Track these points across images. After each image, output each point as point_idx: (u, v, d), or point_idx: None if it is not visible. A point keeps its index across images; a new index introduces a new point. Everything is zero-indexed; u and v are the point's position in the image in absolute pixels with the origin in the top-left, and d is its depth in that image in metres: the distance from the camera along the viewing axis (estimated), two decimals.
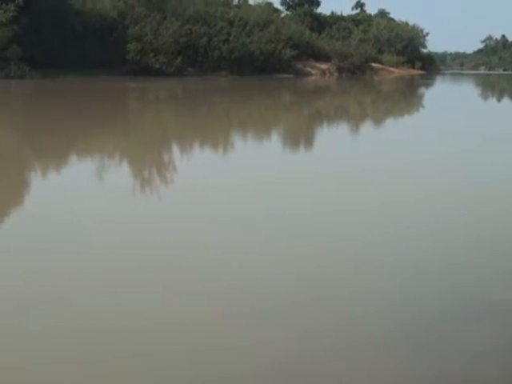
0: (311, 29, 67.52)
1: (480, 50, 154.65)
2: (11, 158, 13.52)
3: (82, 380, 4.14)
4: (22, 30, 35.96)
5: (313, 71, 59.90)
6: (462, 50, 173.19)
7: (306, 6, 78.13)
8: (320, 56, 61.72)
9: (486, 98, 43.18)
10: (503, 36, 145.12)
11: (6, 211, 8.56)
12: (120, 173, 11.70)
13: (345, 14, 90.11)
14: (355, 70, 64.30)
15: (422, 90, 50.93)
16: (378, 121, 23.99)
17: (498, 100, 41.61)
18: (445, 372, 4.27)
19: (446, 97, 42.99)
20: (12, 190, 10.14)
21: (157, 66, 44.39)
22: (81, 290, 5.54)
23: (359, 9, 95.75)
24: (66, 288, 5.62)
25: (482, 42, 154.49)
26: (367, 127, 21.84)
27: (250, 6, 63.32)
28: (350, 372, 4.28)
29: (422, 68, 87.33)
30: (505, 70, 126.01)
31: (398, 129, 21.08)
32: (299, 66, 58.38)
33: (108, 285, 5.71)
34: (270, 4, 67.12)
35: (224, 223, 7.66)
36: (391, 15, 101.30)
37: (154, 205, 9.16)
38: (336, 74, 61.10)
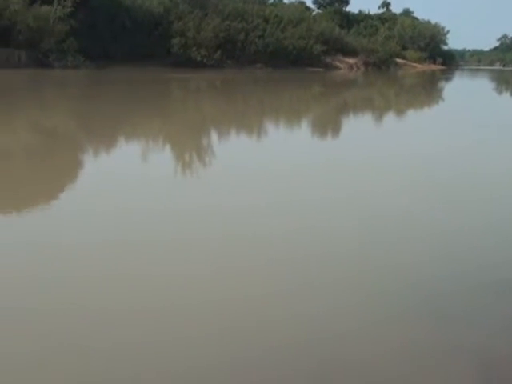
0: (340, 26, 67.30)
1: (496, 48, 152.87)
2: (68, 138, 13.94)
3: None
4: (78, 25, 36.39)
5: (341, 65, 59.74)
6: (479, 48, 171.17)
7: (336, 4, 77.82)
8: (348, 51, 61.51)
9: (500, 92, 42.77)
10: None
11: (62, 187, 8.91)
12: (163, 154, 11.99)
13: (372, 12, 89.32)
14: (380, 64, 63.98)
15: (442, 83, 50.57)
16: (400, 111, 24.06)
17: None
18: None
19: (463, 90, 42.71)
20: (67, 168, 10.44)
21: (198, 58, 44.67)
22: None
23: (385, 8, 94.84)
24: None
25: (498, 40, 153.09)
26: (390, 117, 21.90)
27: (285, 4, 63.34)
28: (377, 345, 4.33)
29: (443, 64, 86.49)
30: None
31: (418, 118, 21.15)
32: (328, 60, 58.26)
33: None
34: (303, 3, 67.18)
35: (250, 206, 7.77)
36: (415, 14, 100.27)
37: (193, 185, 9.34)
38: (362, 68, 60.86)
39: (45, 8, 35.33)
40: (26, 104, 20.34)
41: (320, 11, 75.52)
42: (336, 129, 17.35)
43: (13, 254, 5.77)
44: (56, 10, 35.57)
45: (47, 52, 35.51)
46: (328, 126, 17.96)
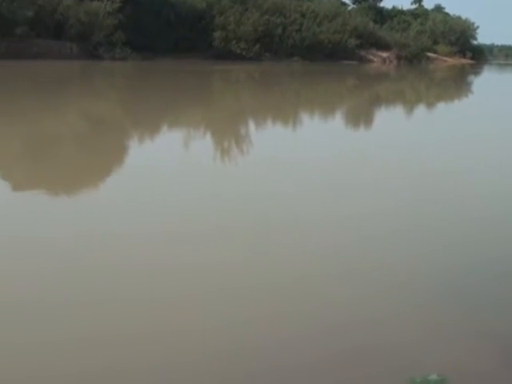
0: (374, 21, 66.64)
1: None
2: (115, 124, 14.13)
3: None
4: (125, 19, 36.69)
5: (374, 59, 59.19)
6: (507, 43, 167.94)
7: (371, 0, 76.98)
8: (381, 45, 60.89)
9: None
10: None
11: (109, 171, 9.09)
12: (203, 141, 12.12)
13: (404, 8, 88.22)
14: (412, 58, 63.18)
15: (471, 77, 49.89)
16: (431, 104, 23.86)
17: None
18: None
19: (492, 83, 42.12)
20: (113, 153, 10.60)
21: (238, 51, 44.72)
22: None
23: (417, 4, 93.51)
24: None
25: None
26: (421, 109, 21.75)
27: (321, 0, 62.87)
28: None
29: (472, 58, 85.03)
30: None
31: (449, 111, 20.98)
32: (362, 53, 57.76)
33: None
34: None
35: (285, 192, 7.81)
36: (446, 10, 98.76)
37: (231, 172, 9.42)
38: (395, 62, 60.21)
39: (95, 3, 35.74)
40: (77, 92, 20.64)
41: (355, 6, 74.76)
42: (369, 120, 17.31)
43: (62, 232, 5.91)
44: (105, 5, 35.94)
45: (97, 44, 35.92)
46: (361, 116, 17.92)
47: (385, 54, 60.67)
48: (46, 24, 34.09)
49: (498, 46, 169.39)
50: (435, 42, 76.19)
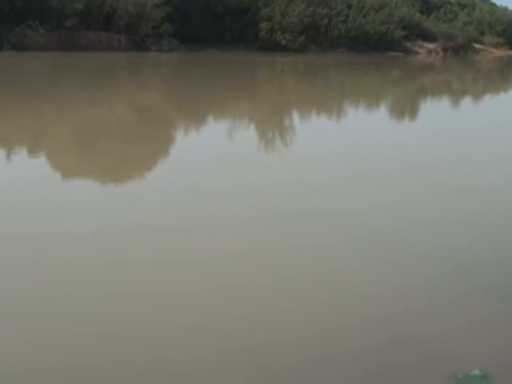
0: (420, 11, 65.58)
1: None
2: (162, 114, 14.24)
3: None
4: (173, 10, 36.86)
5: (420, 50, 58.36)
6: None
7: None
8: (427, 36, 60.00)
9: None
10: None
11: (155, 161, 9.18)
12: (248, 131, 12.14)
13: None
14: (458, 49, 62.14)
15: None
16: (478, 96, 23.47)
17: None
18: None
19: None
20: (159, 143, 10.72)
21: (283, 42, 44.54)
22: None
23: None
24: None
25: None
26: (468, 101, 21.43)
27: None
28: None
29: None
30: None
31: (496, 103, 20.62)
32: (408, 45, 56.99)
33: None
34: None
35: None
36: (493, 0, 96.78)
37: (275, 162, 9.43)
38: (441, 53, 59.29)
39: None
40: (125, 83, 20.85)
41: None
42: (414, 111, 17.13)
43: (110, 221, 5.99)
44: None
45: (144, 36, 36.18)
46: (406, 108, 17.74)
47: (431, 46, 59.75)
48: (96, 16, 34.47)
49: None
50: (481, 33, 74.76)
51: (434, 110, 17.36)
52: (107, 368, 3.53)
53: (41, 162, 8.79)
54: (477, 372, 2.00)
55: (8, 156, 9.12)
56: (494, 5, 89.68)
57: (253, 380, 3.47)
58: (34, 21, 29.92)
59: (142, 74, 26.16)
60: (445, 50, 60.31)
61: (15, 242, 5.29)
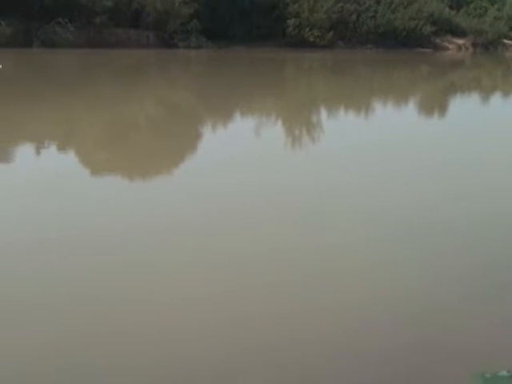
0: (450, 7, 64.79)
1: None
2: (189, 111, 14.29)
3: None
4: (201, 7, 36.89)
5: (449, 46, 57.68)
6: None
7: None
8: (457, 32, 59.22)
9: None
10: None
11: (182, 158, 9.22)
12: (275, 128, 12.13)
13: None
14: (488, 45, 61.32)
15: None
16: (509, 93, 23.16)
17: None
18: None
19: None
20: (187, 140, 10.78)
21: (311, 39, 44.28)
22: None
23: None
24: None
25: None
26: (498, 98, 21.15)
27: None
28: None
29: None
30: None
31: None
32: (437, 41, 56.34)
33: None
34: None
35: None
36: None
37: (302, 160, 9.41)
38: (470, 49, 58.58)
39: None
40: (153, 79, 20.96)
41: None
42: (443, 107, 16.97)
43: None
44: None
45: (172, 33, 36.26)
46: (435, 105, 17.58)
47: (460, 41, 59.03)
48: (124, 13, 34.65)
49: None
50: (511, 29, 73.75)
51: (464, 107, 17.19)
52: (145, 368, 3.58)
53: (71, 157, 8.89)
54: (504, 373, 2.00)
55: (40, 151, 9.25)
56: None
57: (285, 376, 3.49)
58: (63, 18, 30.14)
59: (170, 70, 26.27)
60: (474, 45, 59.54)
61: (49, 238, 5.38)
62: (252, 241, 5.41)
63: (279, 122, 13.20)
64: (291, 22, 44.21)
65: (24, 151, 9.23)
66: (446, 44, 58.48)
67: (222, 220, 5.91)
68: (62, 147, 9.65)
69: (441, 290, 4.52)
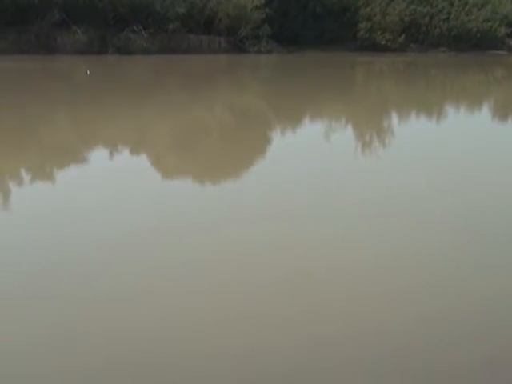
0: None
1: None
2: (258, 115, 14.42)
3: None
4: (272, 12, 37.07)
5: None
6: None
7: None
8: None
9: None
10: None
11: (251, 161, 9.33)
12: (344, 132, 12.12)
13: None
14: None
15: None
16: None
17: None
18: None
19: None
20: (255, 144, 10.88)
21: (383, 42, 43.87)
22: None
23: None
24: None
25: None
26: None
27: None
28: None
29: None
30: None
31: None
32: None
33: None
34: None
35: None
36: None
37: (372, 165, 9.38)
38: None
39: None
40: (224, 85, 21.24)
41: None
42: None
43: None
44: None
45: (243, 38, 36.54)
46: (509, 110, 17.19)
47: None
48: (197, 20, 35.17)
49: None
50: None
51: None
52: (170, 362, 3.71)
53: (144, 162, 9.14)
54: None
55: (113, 155, 9.54)
56: None
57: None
58: (137, 25, 30.86)
59: (242, 76, 26.55)
60: None
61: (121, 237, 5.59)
62: (349, 254, 5.48)
63: (349, 126, 13.18)
64: (363, 25, 43.89)
65: (104, 152, 9.58)
66: None
67: (304, 235, 5.95)
68: (134, 151, 9.92)
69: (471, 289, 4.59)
